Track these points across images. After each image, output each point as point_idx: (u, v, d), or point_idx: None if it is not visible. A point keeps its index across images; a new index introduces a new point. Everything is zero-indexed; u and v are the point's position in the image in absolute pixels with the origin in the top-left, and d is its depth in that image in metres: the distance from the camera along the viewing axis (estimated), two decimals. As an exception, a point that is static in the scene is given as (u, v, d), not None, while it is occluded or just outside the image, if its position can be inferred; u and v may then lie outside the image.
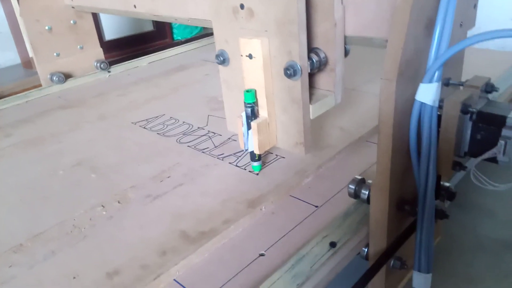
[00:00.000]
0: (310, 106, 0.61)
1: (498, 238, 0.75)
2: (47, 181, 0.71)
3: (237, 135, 0.78)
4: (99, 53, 1.27)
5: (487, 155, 0.52)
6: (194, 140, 0.80)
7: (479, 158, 0.52)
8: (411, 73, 0.48)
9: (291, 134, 0.63)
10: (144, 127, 0.87)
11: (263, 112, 0.63)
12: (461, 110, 0.52)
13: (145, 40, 1.86)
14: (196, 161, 0.73)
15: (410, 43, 0.46)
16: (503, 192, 0.51)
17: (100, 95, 1.09)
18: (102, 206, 0.63)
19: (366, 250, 0.56)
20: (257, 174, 0.67)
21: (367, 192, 0.54)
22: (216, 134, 0.81)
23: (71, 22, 1.19)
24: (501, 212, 0.79)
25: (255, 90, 0.61)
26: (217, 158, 0.73)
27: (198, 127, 0.85)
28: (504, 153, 0.51)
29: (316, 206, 0.60)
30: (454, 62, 0.59)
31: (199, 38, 1.65)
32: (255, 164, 0.67)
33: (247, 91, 0.61)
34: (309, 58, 0.59)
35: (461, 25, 0.57)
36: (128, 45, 1.81)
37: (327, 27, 0.59)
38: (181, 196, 0.64)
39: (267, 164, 0.70)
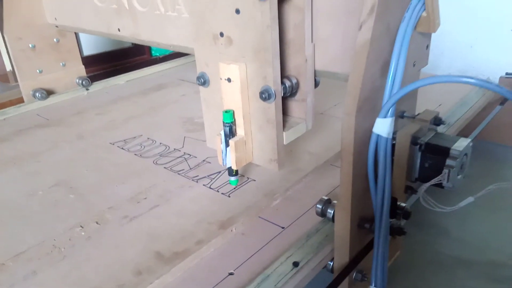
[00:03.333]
0: (284, 132, 0.67)
1: (452, 254, 0.81)
2: (26, 201, 0.74)
3: (210, 157, 0.84)
4: (81, 70, 1.30)
5: (433, 181, 0.58)
6: (170, 161, 0.84)
7: (427, 184, 0.58)
8: (368, 108, 0.54)
9: (266, 152, 0.68)
10: (122, 148, 0.91)
11: (240, 130, 0.67)
12: (411, 141, 0.58)
13: (124, 56, 1.89)
14: (172, 183, 0.77)
15: (367, 82, 0.52)
16: (456, 212, 0.57)
17: (79, 113, 1.12)
18: (81, 226, 0.67)
19: (331, 264, 0.61)
20: (234, 188, 0.73)
21: (332, 211, 0.60)
22: (191, 156, 0.86)
23: (54, 40, 1.22)
24: (454, 231, 0.86)
25: (233, 111, 0.66)
26: (192, 180, 0.77)
27: (175, 149, 0.89)
28: (448, 180, 0.57)
29: (283, 227, 0.65)
30: (409, 97, 0.65)
31: (177, 56, 1.69)
32: (232, 178, 0.71)
33: (226, 111, 0.66)
34: (282, 83, 0.65)
35: (414, 64, 0.63)
36: (106, 60, 1.83)
37: (299, 62, 0.65)
38: (156, 217, 0.68)
39: (238, 186, 0.74)
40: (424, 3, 0.54)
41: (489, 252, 0.80)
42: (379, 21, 0.50)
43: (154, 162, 0.84)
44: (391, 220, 0.60)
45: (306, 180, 0.76)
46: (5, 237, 0.66)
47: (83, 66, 1.30)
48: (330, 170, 0.80)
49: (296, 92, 0.67)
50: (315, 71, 0.67)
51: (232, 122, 0.66)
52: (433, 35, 0.66)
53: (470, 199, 0.56)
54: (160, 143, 0.92)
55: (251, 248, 0.60)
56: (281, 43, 0.63)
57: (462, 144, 0.57)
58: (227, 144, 0.67)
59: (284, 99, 0.67)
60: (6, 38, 1.14)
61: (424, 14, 0.54)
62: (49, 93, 1.22)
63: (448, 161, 0.56)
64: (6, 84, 1.72)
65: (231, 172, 0.70)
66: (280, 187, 0.74)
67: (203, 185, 0.76)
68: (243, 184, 0.75)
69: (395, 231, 0.62)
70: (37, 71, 1.21)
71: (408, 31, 0.54)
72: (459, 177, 0.58)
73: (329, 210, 0.60)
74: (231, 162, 0.68)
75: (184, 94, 1.21)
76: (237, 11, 0.61)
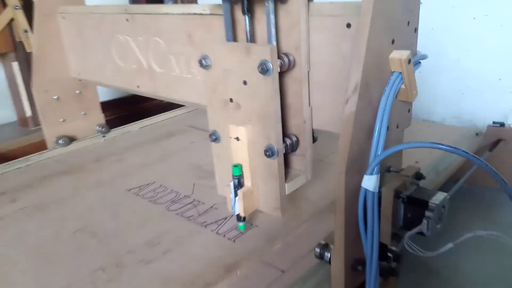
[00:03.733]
0: (286, 184, 0.76)
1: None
2: (53, 246, 0.83)
3: (218, 204, 0.92)
4: (100, 118, 1.43)
5: (414, 230, 0.66)
6: (181, 208, 0.93)
7: (409, 233, 0.66)
8: (356, 167, 0.63)
9: (270, 201, 0.77)
10: (137, 194, 1.00)
11: (247, 182, 0.77)
12: (395, 195, 0.66)
13: (135, 102, 2.01)
14: (183, 228, 0.85)
15: (354, 146, 0.61)
16: (444, 255, 0.64)
17: (97, 160, 1.21)
18: (102, 270, 0.75)
19: None
20: (240, 233, 0.81)
21: (329, 255, 0.68)
22: (200, 203, 0.94)
23: (77, 92, 1.36)
24: (444, 272, 0.93)
25: (241, 165, 0.76)
26: (201, 225, 0.86)
27: (185, 196, 0.98)
28: (427, 229, 0.65)
29: (283, 271, 0.72)
30: (394, 154, 0.74)
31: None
32: (241, 224, 0.81)
33: (235, 165, 0.75)
34: (284, 141, 0.75)
35: (397, 126, 0.73)
36: (119, 106, 1.96)
37: (299, 122, 0.76)
38: (169, 261, 0.76)
39: (243, 233, 0.82)
40: (402, 78, 0.64)
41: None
42: (362, 96, 0.60)
43: (167, 208, 0.93)
44: (382, 262, 0.68)
45: (304, 226, 0.84)
46: (36, 279, 0.74)
47: (102, 114, 1.43)
48: (327, 216, 0.88)
49: (296, 148, 0.77)
50: (312, 130, 0.77)
51: (240, 175, 0.76)
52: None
53: (450, 245, 0.64)
54: (172, 190, 1.01)
55: (254, 290, 0.68)
56: (282, 106, 0.73)
57: (439, 197, 0.65)
58: (236, 194, 0.76)
59: (286, 154, 0.77)
60: (34, 91, 1.27)
61: (403, 86, 0.64)
62: (71, 139, 1.34)
63: (427, 213, 0.64)
64: (26, 128, 1.84)
65: (239, 218, 0.79)
66: (280, 232, 0.82)
67: (211, 230, 0.84)
68: (247, 230, 0.83)
69: (387, 272, 0.69)
70: (60, 120, 1.33)
71: (389, 102, 0.63)
72: (438, 226, 0.66)
73: (326, 253, 0.69)
74: (239, 210, 0.77)
75: (193, 141, 1.31)
76: (245, 83, 0.71)
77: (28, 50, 1.71)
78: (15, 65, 1.73)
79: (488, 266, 0.94)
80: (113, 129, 1.44)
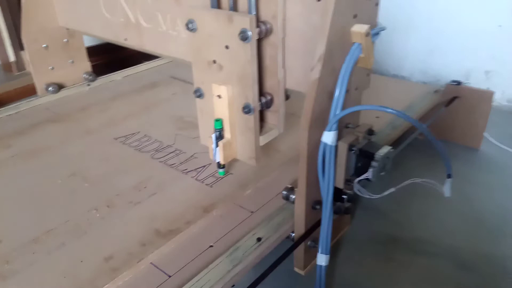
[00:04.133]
0: (260, 136, 0.88)
1: (386, 232, 1.02)
2: (49, 188, 0.93)
3: (197, 153, 1.03)
4: (87, 66, 1.50)
5: (362, 177, 0.78)
6: (164, 156, 1.03)
7: (358, 178, 0.79)
8: (318, 125, 0.74)
9: (246, 151, 0.89)
10: (124, 143, 1.09)
11: (227, 134, 0.88)
12: (348, 148, 0.78)
13: (118, 48, 2.04)
14: (166, 175, 0.96)
15: (316, 107, 0.72)
16: (394, 198, 0.78)
17: (83, 109, 1.29)
18: (95, 209, 0.86)
19: (293, 235, 0.83)
20: (218, 179, 0.94)
21: (294, 196, 0.82)
22: (181, 152, 1.05)
23: (64, 40, 1.41)
24: (391, 213, 1.08)
25: (222, 119, 0.87)
26: (182, 172, 0.97)
27: (167, 145, 1.08)
28: (372, 176, 0.77)
29: (252, 212, 0.85)
30: (352, 113, 0.85)
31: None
32: (221, 170, 0.93)
33: (216, 120, 0.86)
34: (260, 99, 0.85)
35: (356, 88, 0.83)
36: (102, 52, 1.99)
37: (273, 82, 0.86)
38: (154, 202, 0.87)
39: (219, 179, 0.94)
40: (361, 49, 0.73)
41: (417, 230, 1.02)
42: (326, 65, 0.70)
43: (151, 156, 1.03)
44: (337, 203, 0.82)
45: (273, 175, 0.96)
46: (36, 217, 0.85)
47: (89, 63, 1.50)
48: (293, 166, 0.99)
49: (270, 105, 0.88)
50: (285, 89, 0.87)
51: (221, 128, 0.87)
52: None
53: (392, 189, 0.77)
54: (155, 140, 1.10)
55: (226, 227, 0.81)
56: (259, 68, 0.83)
57: (383, 150, 0.77)
58: (217, 145, 0.88)
59: (261, 110, 0.87)
60: (24, 40, 1.33)
61: (362, 55, 0.74)
62: (60, 87, 1.42)
63: (373, 163, 0.77)
64: (10, 73, 1.87)
65: (219, 165, 0.91)
66: (252, 179, 0.93)
67: (191, 177, 0.95)
68: (224, 177, 0.95)
69: (342, 211, 0.84)
70: (49, 68, 1.40)
71: (348, 69, 0.73)
72: (382, 173, 0.78)
73: (291, 196, 0.83)
74: (220, 158, 0.88)
75: (175, 93, 1.39)
76: (227, 47, 0.80)
77: (10, -4, 1.71)
78: (-3, 11, 1.73)
79: (425, 208, 1.09)
80: (97, 78, 1.50)
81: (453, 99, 1.30)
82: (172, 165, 0.99)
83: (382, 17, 0.81)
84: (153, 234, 0.79)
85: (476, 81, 1.62)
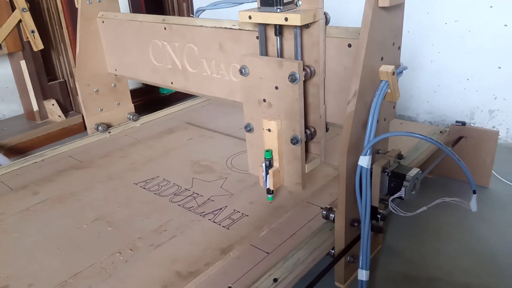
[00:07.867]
0: (306, 165, 0.97)
1: (400, 271, 1.05)
2: (76, 233, 0.98)
3: (214, 196, 1.08)
4: (131, 107, 1.66)
5: (396, 195, 0.85)
6: (182, 200, 1.08)
7: (392, 197, 0.85)
8: (354, 151, 0.83)
9: (293, 178, 0.98)
10: (144, 188, 1.15)
11: (276, 163, 0.98)
12: (382, 170, 0.85)
13: (137, 95, 2.14)
14: (185, 218, 1.01)
15: (353, 135, 0.81)
16: (408, 238, 0.82)
17: (105, 156, 1.36)
18: (119, 252, 0.90)
19: (333, 251, 0.90)
20: (238, 220, 0.99)
21: (333, 215, 0.89)
22: (199, 195, 1.10)
23: (112, 85, 1.58)
24: (406, 252, 1.10)
25: (271, 150, 0.96)
26: (200, 215, 1.02)
27: (185, 189, 1.13)
28: (405, 194, 0.84)
29: (268, 253, 0.89)
30: (381, 141, 0.92)
31: (182, 96, 2.03)
32: (270, 195, 1.01)
33: (267, 150, 0.96)
34: (305, 132, 0.95)
35: (385, 119, 0.91)
36: (141, 94, 2.17)
37: (316, 117, 0.97)
38: (175, 245, 0.92)
39: (235, 221, 0.98)
40: (388, 85, 0.82)
41: (431, 269, 1.04)
42: (359, 99, 0.80)
43: (170, 200, 1.09)
44: (373, 221, 0.88)
45: (286, 216, 1.01)
46: (64, 261, 0.89)
47: (132, 104, 1.66)
48: (306, 207, 1.04)
49: (314, 137, 0.98)
50: (326, 122, 0.98)
51: (270, 158, 0.96)
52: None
53: (424, 208, 0.82)
54: (174, 184, 1.16)
55: (243, 268, 0.84)
56: (304, 105, 0.94)
57: (413, 172, 0.84)
58: (267, 173, 0.96)
59: (306, 141, 0.98)
60: (78, 85, 1.49)
61: (389, 91, 0.83)
62: (108, 126, 1.56)
63: (405, 183, 0.84)
64: (33, 122, 1.98)
65: (268, 191, 0.99)
66: (266, 221, 0.98)
67: (208, 219, 1.00)
68: (239, 219, 0.99)
69: (376, 229, 0.93)
70: (99, 109, 1.56)
71: (378, 103, 0.82)
72: (413, 193, 0.85)
73: (331, 215, 0.90)
74: (270, 185, 0.97)
75: (191, 138, 1.45)
76: (276, 88, 0.92)
77: (35, 50, 1.84)
78: (23, 63, 1.86)
79: (438, 246, 1.11)
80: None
81: (459, 138, 1.35)
82: (190, 208, 1.04)
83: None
84: (174, 276, 0.83)
85: (480, 120, 1.67)
